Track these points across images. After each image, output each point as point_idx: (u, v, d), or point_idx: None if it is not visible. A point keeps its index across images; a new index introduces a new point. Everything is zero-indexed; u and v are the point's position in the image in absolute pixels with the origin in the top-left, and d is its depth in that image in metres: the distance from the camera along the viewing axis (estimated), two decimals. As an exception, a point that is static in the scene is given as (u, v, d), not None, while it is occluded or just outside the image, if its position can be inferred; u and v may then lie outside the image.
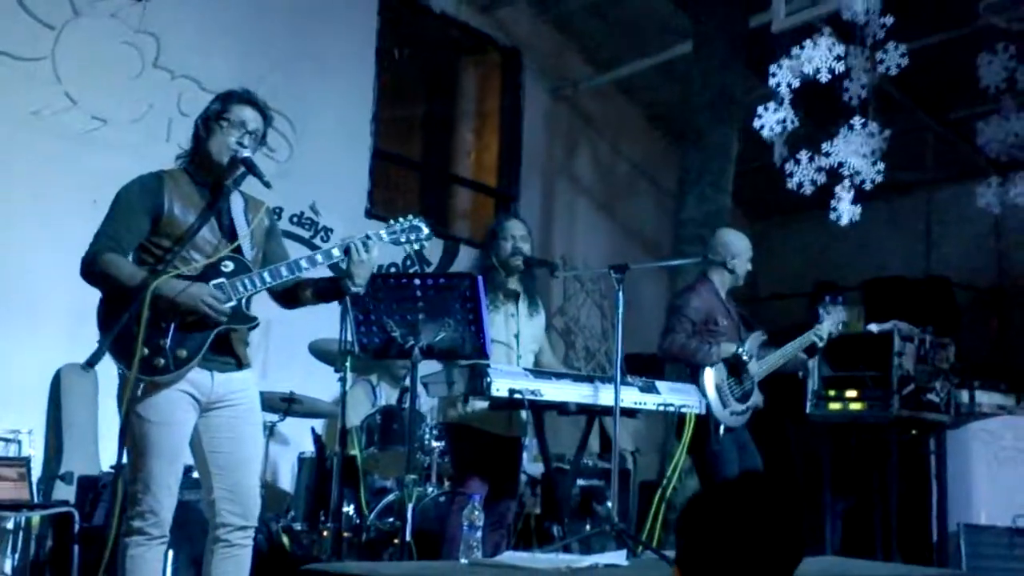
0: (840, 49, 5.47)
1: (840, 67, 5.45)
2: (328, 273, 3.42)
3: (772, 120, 5.59)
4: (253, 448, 3.21)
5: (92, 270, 3.00)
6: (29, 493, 4.62)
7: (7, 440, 5.01)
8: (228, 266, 3.10)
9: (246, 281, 3.09)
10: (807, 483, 5.40)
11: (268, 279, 3.11)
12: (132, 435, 3.00)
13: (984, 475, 5.83)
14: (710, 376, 4.52)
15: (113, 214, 3.06)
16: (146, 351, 2.94)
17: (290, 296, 3.27)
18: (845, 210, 5.48)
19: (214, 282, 3.06)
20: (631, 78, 8.31)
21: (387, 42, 7.22)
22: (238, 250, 3.15)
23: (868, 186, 5.47)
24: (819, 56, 5.46)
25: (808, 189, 5.61)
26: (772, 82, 5.53)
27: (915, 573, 4.04)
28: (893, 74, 5.41)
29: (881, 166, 5.48)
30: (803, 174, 5.61)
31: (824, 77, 5.41)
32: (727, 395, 4.51)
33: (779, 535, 1.58)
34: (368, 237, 3.22)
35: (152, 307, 2.92)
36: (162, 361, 2.96)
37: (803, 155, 5.61)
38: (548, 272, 4.93)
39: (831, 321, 4.81)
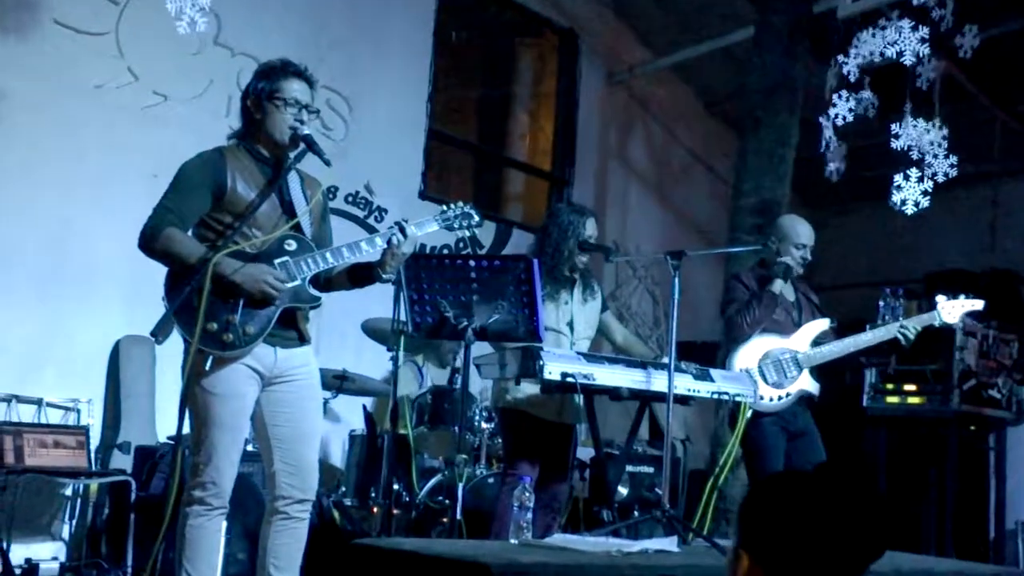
0: (908, 35, 5.35)
1: (908, 54, 5.33)
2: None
3: (845, 109, 5.48)
4: (313, 422, 3.24)
5: (152, 244, 3.03)
6: (87, 461, 4.72)
7: (67, 409, 5.11)
8: (291, 245, 3.14)
9: (309, 260, 3.12)
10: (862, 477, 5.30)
11: (331, 259, 3.15)
12: (196, 407, 3.05)
13: (1045, 474, 5.71)
14: (740, 358, 4.46)
15: (175, 188, 3.09)
16: (215, 326, 2.98)
17: (327, 279, 3.28)
18: (911, 198, 5.35)
19: (278, 261, 3.09)
20: (688, 63, 8.21)
21: (445, 24, 7.20)
22: (297, 227, 3.18)
23: (940, 179, 5.35)
24: (887, 42, 5.34)
25: (834, 176, 5.53)
26: (844, 69, 5.41)
27: (970, 570, 3.96)
28: (968, 57, 5.27)
29: (953, 159, 5.35)
30: (837, 160, 5.53)
31: (893, 61, 5.29)
32: (755, 378, 4.43)
33: (865, 527, 1.54)
34: (406, 222, 3.23)
35: (215, 282, 2.95)
36: (231, 336, 3.00)
37: (833, 141, 5.53)
38: (603, 257, 4.89)
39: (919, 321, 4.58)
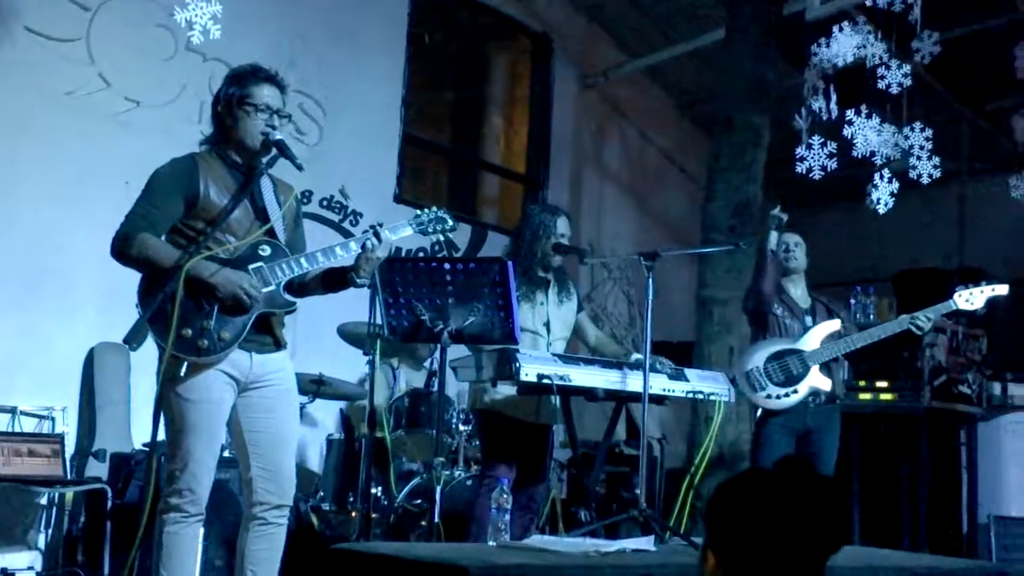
0: (872, 38, 5.43)
1: (873, 56, 5.41)
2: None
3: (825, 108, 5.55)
4: (289, 427, 3.24)
5: (125, 250, 3.00)
6: (63, 469, 4.68)
7: (41, 417, 5.07)
8: (265, 250, 3.13)
9: (284, 266, 3.12)
10: (835, 473, 5.36)
11: (305, 264, 3.15)
12: (171, 414, 3.04)
13: (1015, 467, 5.78)
14: (747, 358, 4.54)
15: (147, 194, 3.07)
16: (190, 332, 2.97)
17: (300, 285, 3.27)
18: (882, 197, 5.42)
19: (252, 266, 3.08)
20: (661, 65, 8.27)
21: (418, 27, 7.22)
22: (271, 233, 3.18)
23: (925, 180, 5.43)
24: (853, 44, 5.41)
25: (816, 174, 5.58)
26: (815, 70, 5.49)
27: (944, 564, 4.01)
28: (926, 63, 5.36)
29: (936, 160, 5.43)
30: (814, 159, 5.58)
31: (860, 62, 5.37)
32: (761, 378, 4.49)
33: (818, 520, 1.57)
34: (380, 227, 3.24)
35: (189, 288, 2.95)
36: (206, 342, 2.99)
37: (815, 140, 5.58)
38: (577, 258, 4.92)
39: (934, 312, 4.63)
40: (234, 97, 3.15)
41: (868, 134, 5.41)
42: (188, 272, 2.93)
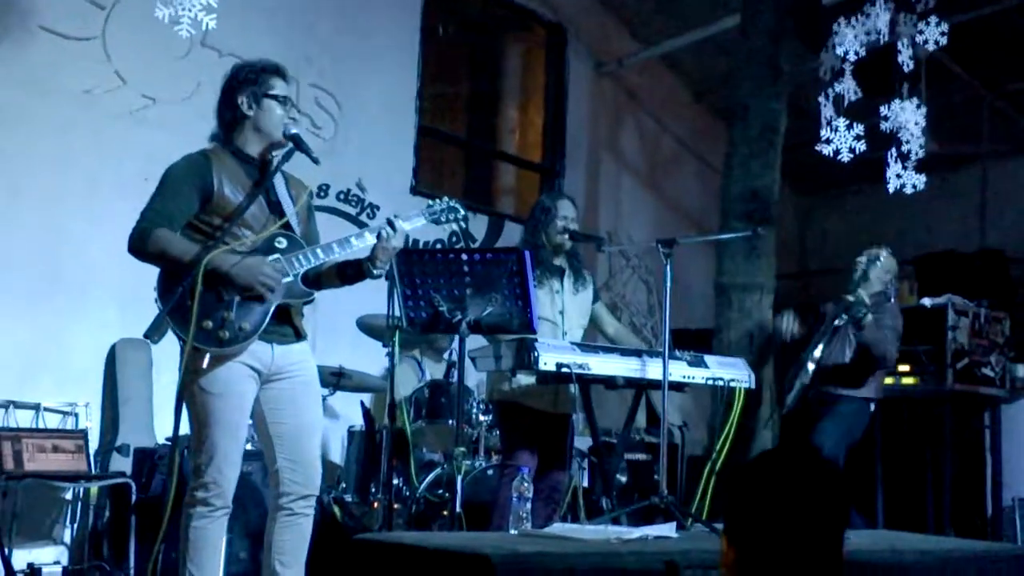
0: (889, 19, 5.38)
1: (889, 35, 5.36)
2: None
3: (849, 90, 5.51)
4: (314, 417, 3.25)
5: (142, 246, 3.03)
6: (87, 465, 4.73)
7: (65, 413, 5.12)
8: (282, 243, 3.16)
9: (301, 257, 3.14)
10: (858, 458, 5.34)
11: (322, 255, 3.16)
12: (195, 408, 3.06)
13: (1040, 450, 5.74)
14: None
15: (162, 191, 3.10)
16: (210, 324, 2.99)
17: (316, 277, 3.29)
18: (907, 179, 5.38)
19: (270, 258, 3.10)
20: (676, 53, 8.22)
21: (432, 19, 7.21)
22: (287, 226, 3.20)
23: (918, 154, 5.38)
24: (872, 26, 5.37)
25: (845, 157, 5.52)
26: (835, 53, 5.44)
27: (967, 547, 3.99)
28: (931, 50, 5.30)
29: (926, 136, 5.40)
30: (841, 142, 5.53)
31: (878, 45, 5.32)
32: None
33: (818, 502, 1.59)
34: (396, 217, 3.27)
35: (208, 281, 2.96)
36: (227, 333, 3.01)
37: (840, 122, 5.53)
38: (595, 247, 4.92)
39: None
40: (255, 91, 3.17)
41: (904, 114, 5.36)
42: (207, 265, 2.95)
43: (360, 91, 6.60)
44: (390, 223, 3.23)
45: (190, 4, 4.41)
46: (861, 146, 5.47)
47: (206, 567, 3.07)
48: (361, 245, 3.25)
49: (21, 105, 5.20)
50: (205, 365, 3.01)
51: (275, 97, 3.18)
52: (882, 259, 5.10)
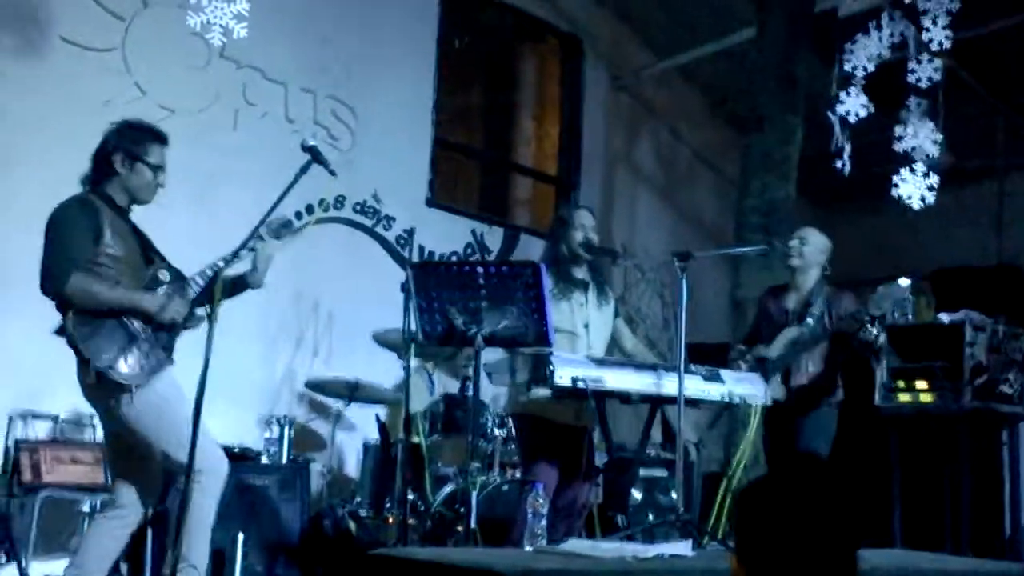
0: (904, 32, 5.38)
1: (906, 52, 5.35)
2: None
3: (857, 105, 5.48)
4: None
5: (63, 289, 3.28)
6: (104, 477, 4.73)
7: (82, 425, 5.13)
8: (166, 275, 3.43)
9: (192, 285, 3.42)
10: (875, 476, 5.30)
11: (201, 282, 3.43)
12: (151, 421, 3.35)
13: (1059, 468, 5.68)
14: None
15: (65, 235, 3.31)
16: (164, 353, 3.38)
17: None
18: (916, 194, 5.37)
19: (161, 291, 3.37)
20: (692, 64, 8.22)
21: (448, 31, 7.24)
22: (160, 258, 3.50)
23: (934, 170, 5.38)
24: (887, 41, 5.36)
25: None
26: (847, 66, 5.43)
27: (986, 567, 3.95)
28: (935, 49, 5.28)
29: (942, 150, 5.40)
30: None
31: (892, 60, 5.31)
32: None
33: (831, 521, 1.58)
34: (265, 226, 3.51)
35: (131, 319, 3.29)
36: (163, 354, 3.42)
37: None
38: (611, 260, 4.91)
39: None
40: (133, 151, 3.43)
41: (917, 130, 5.36)
42: (142, 305, 3.27)
43: (377, 103, 6.62)
44: (260, 236, 3.47)
45: (221, 13, 4.47)
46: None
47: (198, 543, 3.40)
48: (237, 262, 3.46)
49: (41, 115, 5.24)
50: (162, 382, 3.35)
51: (148, 164, 3.40)
52: (810, 236, 4.94)
